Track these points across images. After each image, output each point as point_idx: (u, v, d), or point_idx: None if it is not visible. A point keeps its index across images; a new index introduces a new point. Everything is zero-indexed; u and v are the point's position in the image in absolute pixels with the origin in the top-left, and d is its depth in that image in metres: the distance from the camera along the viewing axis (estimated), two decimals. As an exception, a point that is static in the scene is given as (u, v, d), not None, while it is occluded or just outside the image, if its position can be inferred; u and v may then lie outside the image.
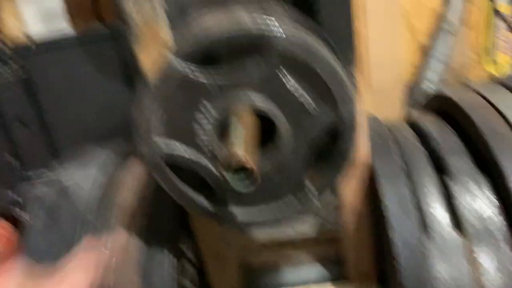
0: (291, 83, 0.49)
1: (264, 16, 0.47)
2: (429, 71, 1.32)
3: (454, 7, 1.28)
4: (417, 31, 1.38)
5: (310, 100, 0.50)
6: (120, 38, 1.16)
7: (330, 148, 0.52)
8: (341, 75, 0.49)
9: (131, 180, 0.67)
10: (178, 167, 0.53)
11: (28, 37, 1.32)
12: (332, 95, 0.49)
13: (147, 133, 0.51)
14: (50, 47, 1.22)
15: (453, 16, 1.28)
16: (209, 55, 0.49)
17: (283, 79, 0.49)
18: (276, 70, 0.48)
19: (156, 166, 0.53)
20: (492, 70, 1.37)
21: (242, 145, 0.43)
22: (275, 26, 0.47)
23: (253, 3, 0.52)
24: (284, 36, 0.47)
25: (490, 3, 1.25)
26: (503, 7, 1.29)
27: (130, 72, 1.19)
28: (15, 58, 1.24)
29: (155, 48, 0.54)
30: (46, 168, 1.23)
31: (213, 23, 0.49)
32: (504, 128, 0.56)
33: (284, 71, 0.48)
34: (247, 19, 0.47)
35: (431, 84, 1.32)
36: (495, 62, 1.38)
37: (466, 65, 1.36)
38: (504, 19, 1.17)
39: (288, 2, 0.57)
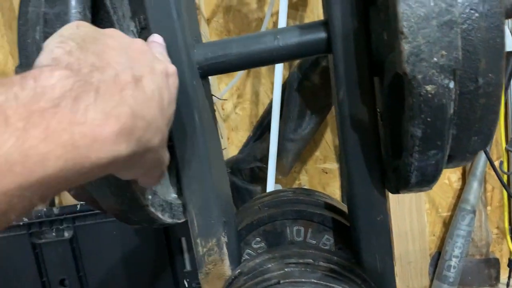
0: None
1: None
2: (453, 247, 1.37)
3: (472, 188, 1.37)
4: (438, 205, 1.46)
5: None
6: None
7: None
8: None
9: None
10: None
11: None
12: None
13: None
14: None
15: (472, 195, 1.37)
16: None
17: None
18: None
19: None
20: (511, 247, 1.42)
21: None
22: None
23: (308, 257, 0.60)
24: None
25: (504, 188, 1.34)
26: (518, 188, 1.38)
27: (171, 242, 1.27)
28: (60, 219, 1.33)
29: (219, 282, 0.62)
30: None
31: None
32: None
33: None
34: None
35: (455, 259, 1.36)
36: (515, 239, 1.43)
37: (488, 240, 1.41)
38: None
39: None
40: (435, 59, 0.38)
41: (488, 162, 1.36)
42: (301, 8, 1.35)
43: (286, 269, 0.57)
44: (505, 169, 1.34)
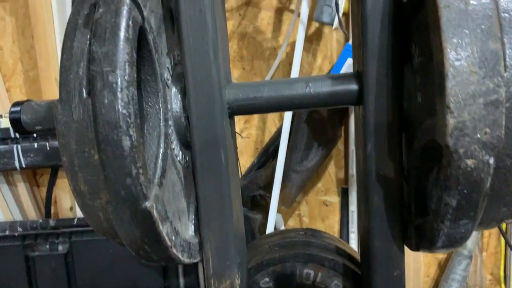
0: None
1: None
2: (447, 290, 1.38)
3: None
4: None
5: None
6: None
7: None
8: None
9: None
10: None
11: (74, 210, 1.41)
12: None
13: None
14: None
15: (469, 240, 1.38)
16: None
17: None
18: None
19: None
20: (506, 293, 1.43)
21: None
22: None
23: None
24: None
25: (502, 235, 1.35)
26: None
27: (167, 266, 1.25)
28: (57, 233, 1.31)
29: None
30: None
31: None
32: None
33: None
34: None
35: (449, 303, 1.36)
36: (508, 286, 1.44)
37: (482, 285, 1.42)
38: (517, 251, 1.27)
39: None
40: (478, 135, 0.39)
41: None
42: (316, 42, 1.36)
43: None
44: (504, 217, 1.35)
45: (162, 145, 0.52)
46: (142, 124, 0.51)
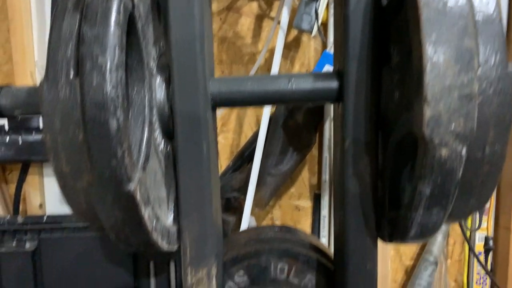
0: None
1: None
2: (413, 296, 1.41)
3: (436, 240, 1.43)
4: (402, 253, 1.50)
5: None
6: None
7: None
8: None
9: None
10: None
11: (44, 208, 1.38)
12: None
13: None
14: (63, 221, 1.27)
15: (436, 247, 1.42)
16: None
17: None
18: None
19: None
20: (469, 301, 1.48)
21: None
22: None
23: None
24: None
25: (466, 242, 1.40)
26: (478, 246, 1.45)
27: (138, 265, 1.24)
28: (25, 230, 1.28)
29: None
30: None
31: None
32: None
33: None
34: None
35: (415, 309, 1.40)
36: (471, 293, 1.49)
37: (446, 292, 1.46)
38: (478, 260, 1.31)
39: None
40: (452, 126, 0.41)
41: (453, 217, 1.42)
42: (294, 49, 1.39)
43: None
44: (469, 226, 1.40)
45: (146, 132, 0.53)
46: (127, 109, 0.52)
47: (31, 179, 1.37)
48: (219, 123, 1.45)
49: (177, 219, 0.61)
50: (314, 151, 1.45)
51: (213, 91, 0.59)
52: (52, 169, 0.49)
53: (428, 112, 0.41)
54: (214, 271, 0.62)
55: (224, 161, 1.46)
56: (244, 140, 1.45)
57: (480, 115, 0.43)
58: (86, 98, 0.43)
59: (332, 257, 0.72)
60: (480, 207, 0.50)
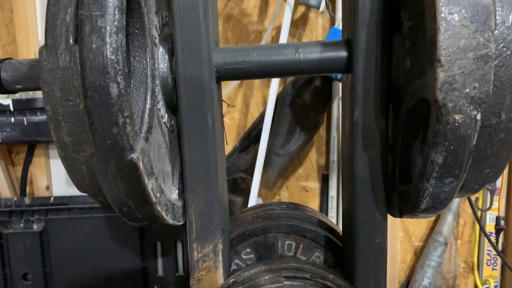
0: None
1: None
2: (422, 276, 1.40)
3: (446, 221, 1.41)
4: (411, 234, 1.49)
5: None
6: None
7: None
8: None
9: None
10: None
11: (50, 190, 1.38)
12: None
13: None
14: (69, 202, 1.27)
15: (445, 227, 1.41)
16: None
17: None
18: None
19: None
20: (478, 282, 1.47)
21: None
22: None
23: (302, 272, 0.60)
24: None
25: (477, 222, 1.39)
26: (489, 226, 1.43)
27: (145, 245, 1.24)
28: (32, 211, 1.28)
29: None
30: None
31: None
32: None
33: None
34: None
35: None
36: (481, 274, 1.48)
37: (455, 273, 1.45)
38: (489, 240, 1.30)
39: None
40: (467, 90, 0.39)
41: (463, 198, 1.40)
42: (301, 26, 1.36)
43: (284, 282, 0.57)
44: (480, 206, 1.38)
45: (148, 101, 0.51)
46: (129, 77, 0.50)
47: (38, 161, 1.37)
48: (224, 104, 1.43)
49: (182, 194, 0.60)
50: (322, 131, 1.44)
51: (218, 61, 0.58)
52: (53, 140, 0.48)
53: (441, 75, 0.39)
54: (220, 246, 0.61)
55: (230, 143, 1.44)
56: (250, 121, 1.43)
57: (496, 78, 0.41)
58: (85, 63, 0.41)
59: (341, 233, 0.70)
60: (494, 179, 0.48)
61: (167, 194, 0.54)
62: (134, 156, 0.44)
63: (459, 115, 0.40)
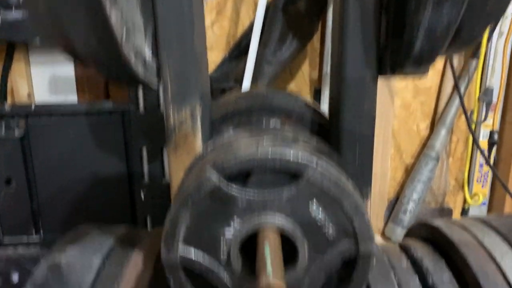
0: (315, 209, 0.52)
1: (304, 152, 0.51)
2: (412, 191, 1.39)
3: (439, 135, 1.38)
4: (403, 151, 1.47)
5: (331, 229, 0.53)
6: (125, 117, 1.19)
7: (345, 277, 0.54)
8: (364, 212, 0.52)
9: (134, 278, 0.66)
10: (194, 273, 0.53)
11: (32, 98, 1.33)
12: (353, 229, 0.52)
13: (171, 237, 0.52)
14: (51, 110, 1.23)
15: (438, 142, 1.38)
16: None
17: (309, 205, 0.52)
18: (305, 196, 0.51)
19: (171, 268, 0.53)
20: (467, 197, 1.46)
21: (278, 273, 0.45)
22: (313, 162, 0.51)
23: (288, 132, 0.57)
24: (319, 169, 0.51)
25: (471, 137, 1.36)
26: (482, 142, 1.40)
27: (130, 152, 1.21)
28: (13, 116, 1.24)
29: (188, 157, 0.57)
30: (25, 234, 1.19)
31: (253, 148, 0.53)
32: (498, 277, 0.60)
33: (312, 198, 0.52)
34: (288, 151, 0.51)
35: (412, 203, 1.38)
36: (470, 191, 1.47)
37: (445, 190, 1.44)
38: (482, 153, 1.28)
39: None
40: None
41: (457, 112, 1.37)
42: None
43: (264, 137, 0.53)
44: (474, 120, 1.35)
45: None
46: None
47: (18, 67, 1.31)
48: (213, 12, 1.36)
49: (156, 53, 0.55)
50: (316, 42, 1.37)
51: None
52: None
53: None
54: (198, 111, 0.57)
55: (220, 53, 1.38)
56: (241, 30, 1.36)
57: None
58: None
59: (328, 117, 0.67)
60: (497, 17, 0.44)
61: (136, 42, 0.49)
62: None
63: None
